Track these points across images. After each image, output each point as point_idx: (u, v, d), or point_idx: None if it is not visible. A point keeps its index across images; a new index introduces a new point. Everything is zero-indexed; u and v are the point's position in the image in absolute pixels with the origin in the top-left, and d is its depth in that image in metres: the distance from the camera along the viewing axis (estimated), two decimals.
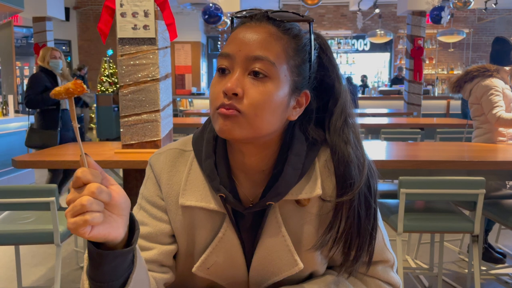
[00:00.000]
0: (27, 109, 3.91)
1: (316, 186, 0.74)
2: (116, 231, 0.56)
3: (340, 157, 0.72)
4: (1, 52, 7.05)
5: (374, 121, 4.99)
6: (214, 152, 0.76)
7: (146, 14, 2.36)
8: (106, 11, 2.38)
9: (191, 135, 0.83)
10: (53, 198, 2.00)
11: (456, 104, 8.27)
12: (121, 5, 2.35)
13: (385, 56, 12.16)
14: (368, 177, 0.73)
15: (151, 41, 2.40)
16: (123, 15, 2.36)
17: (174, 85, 11.19)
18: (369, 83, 11.60)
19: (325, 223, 0.74)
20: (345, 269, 0.76)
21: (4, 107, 5.21)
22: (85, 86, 0.55)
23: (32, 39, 7.33)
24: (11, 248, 2.31)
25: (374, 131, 4.72)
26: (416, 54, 6.54)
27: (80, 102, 3.88)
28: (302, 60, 0.71)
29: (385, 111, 6.56)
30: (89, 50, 11.22)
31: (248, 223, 0.76)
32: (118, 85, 2.43)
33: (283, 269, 0.76)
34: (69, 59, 11.14)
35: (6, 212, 2.38)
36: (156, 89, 2.44)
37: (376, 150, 2.78)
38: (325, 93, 0.76)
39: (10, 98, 5.34)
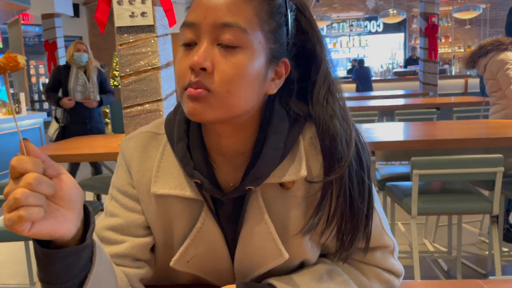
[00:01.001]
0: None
1: (301, 167, 0.66)
2: (64, 227, 0.49)
3: (324, 130, 0.64)
4: (11, 50, 7.11)
5: (388, 103, 4.85)
6: (188, 135, 0.69)
7: (143, 1, 2.29)
8: (103, 0, 2.33)
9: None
10: None
11: (474, 82, 8.01)
12: None
13: (399, 36, 11.85)
14: (358, 150, 0.66)
15: (150, 28, 2.33)
16: (119, 2, 2.30)
17: None
18: (383, 65, 11.36)
19: (313, 205, 0.67)
20: (339, 256, 0.69)
21: (17, 104, 5.26)
22: (21, 60, 0.48)
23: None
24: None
25: (389, 113, 4.59)
26: (430, 32, 6.31)
27: (102, 102, 3.86)
28: (278, 24, 0.63)
29: (400, 92, 6.39)
30: (100, 45, 11.24)
31: (229, 211, 0.69)
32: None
33: (267, 260, 0.69)
34: None
35: None
36: (157, 78, 2.38)
37: (389, 131, 2.69)
38: (306, 61, 0.67)
39: (22, 96, 5.39)
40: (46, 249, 0.50)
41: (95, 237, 0.56)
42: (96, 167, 3.92)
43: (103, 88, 3.90)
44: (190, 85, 0.59)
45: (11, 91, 3.74)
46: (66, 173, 0.51)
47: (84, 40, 11.33)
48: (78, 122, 3.81)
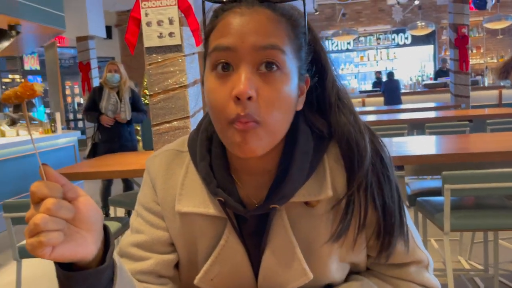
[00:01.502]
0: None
1: (327, 187, 0.66)
2: (84, 249, 0.50)
3: (340, 135, 0.66)
4: (48, 72, 7.43)
5: (418, 115, 4.76)
6: (210, 152, 0.70)
7: (171, 22, 2.36)
8: (133, 22, 2.41)
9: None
10: None
11: (509, 93, 7.76)
12: (146, 15, 2.36)
13: (429, 48, 11.66)
14: (376, 149, 0.67)
15: (177, 48, 2.39)
16: (148, 24, 2.38)
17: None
18: (413, 77, 11.18)
19: (339, 218, 0.67)
20: (378, 260, 0.69)
21: (52, 124, 5.47)
22: (37, 88, 0.50)
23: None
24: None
25: (419, 127, 4.49)
26: (460, 43, 6.19)
27: (131, 120, 4.00)
28: (301, 44, 0.63)
29: (431, 105, 6.26)
30: (131, 65, 11.54)
31: (252, 228, 0.69)
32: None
33: (291, 279, 0.68)
34: None
35: None
36: (185, 95, 2.43)
37: (419, 144, 2.63)
38: (314, 70, 0.68)
39: (58, 116, 5.60)
40: (67, 272, 0.51)
41: (116, 256, 0.56)
42: (127, 184, 4.02)
43: (136, 107, 4.02)
44: (238, 119, 0.57)
45: (48, 110, 3.91)
46: (85, 195, 0.52)
47: (116, 60, 11.71)
48: (107, 140, 3.95)
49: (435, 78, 9.47)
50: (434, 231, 2.41)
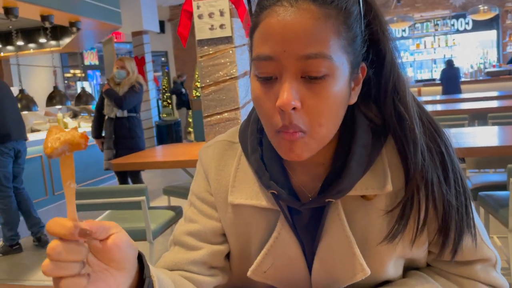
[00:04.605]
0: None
1: (386, 182, 0.63)
2: None
3: (393, 128, 0.62)
4: (106, 67, 7.78)
5: (480, 105, 4.48)
6: (262, 144, 0.68)
7: (221, 13, 2.37)
8: (185, 15, 2.45)
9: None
10: (143, 198, 2.10)
11: None
12: (198, 7, 2.39)
13: (491, 34, 10.94)
14: (436, 141, 0.63)
15: (228, 39, 2.40)
16: (200, 16, 2.40)
17: None
18: (474, 65, 10.56)
19: (397, 213, 0.63)
20: (444, 255, 0.65)
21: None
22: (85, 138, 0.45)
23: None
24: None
25: (481, 117, 4.24)
26: None
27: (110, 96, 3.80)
28: (355, 33, 0.58)
29: (494, 94, 5.88)
30: (183, 59, 11.86)
31: (306, 221, 0.67)
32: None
33: (346, 275, 0.66)
34: (167, 68, 11.91)
35: (107, 212, 2.57)
36: (235, 87, 2.44)
37: (481, 136, 2.48)
38: (372, 56, 0.63)
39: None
40: None
41: (155, 278, 0.56)
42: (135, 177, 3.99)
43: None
44: (284, 130, 0.56)
45: None
46: (118, 233, 0.50)
47: (169, 54, 12.02)
48: (105, 136, 3.91)
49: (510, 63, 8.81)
50: (498, 228, 2.27)
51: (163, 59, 12.16)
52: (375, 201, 0.64)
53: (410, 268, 0.71)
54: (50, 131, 0.45)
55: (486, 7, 8.20)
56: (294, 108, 0.54)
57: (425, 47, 11.25)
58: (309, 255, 0.68)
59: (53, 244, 0.44)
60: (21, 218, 3.50)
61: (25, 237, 3.72)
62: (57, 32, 6.12)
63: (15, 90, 4.75)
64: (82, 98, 5.82)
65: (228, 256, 0.76)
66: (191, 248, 0.72)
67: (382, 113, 0.64)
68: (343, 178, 0.61)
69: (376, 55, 0.63)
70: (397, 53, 0.63)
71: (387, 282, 0.69)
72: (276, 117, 0.56)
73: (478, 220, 0.68)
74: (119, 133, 3.82)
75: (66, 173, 0.45)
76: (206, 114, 2.53)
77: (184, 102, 10.07)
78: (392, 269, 0.67)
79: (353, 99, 0.62)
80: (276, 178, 0.65)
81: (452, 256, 0.65)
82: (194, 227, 0.73)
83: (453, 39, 11.07)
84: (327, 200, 0.62)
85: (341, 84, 0.56)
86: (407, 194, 0.62)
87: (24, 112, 4.63)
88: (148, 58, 7.80)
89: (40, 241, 3.56)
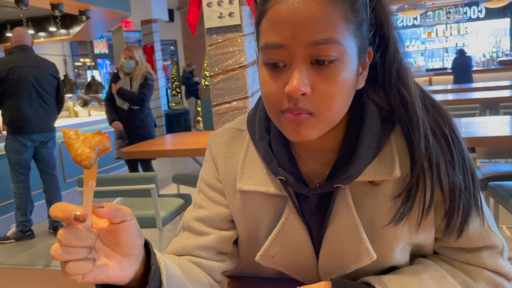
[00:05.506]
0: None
1: (394, 167, 0.63)
2: (118, 274, 0.50)
3: (398, 113, 0.63)
4: (115, 56, 7.80)
5: (492, 95, 4.42)
6: (269, 131, 0.69)
7: (230, 1, 2.36)
8: (194, 3, 2.44)
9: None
10: (153, 185, 2.12)
11: None
12: None
13: (505, 22, 10.74)
14: (440, 127, 0.63)
15: (237, 28, 2.39)
16: (209, 5, 2.39)
17: None
18: (486, 53, 10.39)
19: (404, 196, 0.64)
20: (450, 235, 0.66)
21: None
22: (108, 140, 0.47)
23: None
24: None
25: (493, 106, 4.19)
26: None
27: (124, 96, 3.80)
28: (362, 18, 0.58)
29: (506, 83, 5.79)
30: (192, 48, 11.85)
31: (313, 206, 0.68)
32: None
33: (353, 259, 0.66)
34: (176, 57, 11.91)
35: (117, 199, 2.61)
36: (244, 76, 2.44)
37: (492, 125, 2.45)
38: (378, 40, 0.63)
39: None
40: None
41: (163, 265, 0.57)
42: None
43: (139, 90, 3.78)
44: (289, 111, 0.56)
45: None
46: (130, 220, 0.51)
47: (178, 43, 12.01)
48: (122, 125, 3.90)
49: None
50: (507, 218, 2.26)
51: (172, 48, 12.15)
52: (382, 186, 0.65)
53: (417, 256, 0.71)
54: (69, 137, 0.46)
55: None
56: (303, 94, 0.55)
57: (436, 36, 11.09)
58: (316, 240, 0.69)
59: (64, 230, 0.45)
60: (36, 204, 3.55)
61: (38, 223, 3.79)
62: (67, 21, 6.14)
63: None
64: (92, 86, 5.85)
65: (236, 242, 0.77)
66: (200, 233, 0.73)
67: (387, 97, 0.64)
68: (352, 164, 0.62)
69: (380, 39, 0.63)
70: (400, 41, 0.64)
71: (395, 268, 0.69)
72: (282, 100, 0.57)
73: (485, 208, 0.68)
74: (132, 123, 3.84)
75: (90, 174, 0.47)
76: (215, 103, 2.53)
77: (192, 92, 10.08)
78: (399, 254, 0.68)
79: (361, 84, 0.62)
80: (284, 164, 0.66)
81: (458, 235, 0.65)
82: (203, 213, 0.74)
83: (466, 27, 10.89)
84: (335, 185, 0.63)
85: (350, 68, 0.57)
86: (413, 177, 0.62)
87: None
88: (157, 47, 7.80)
89: (56, 231, 3.62)
